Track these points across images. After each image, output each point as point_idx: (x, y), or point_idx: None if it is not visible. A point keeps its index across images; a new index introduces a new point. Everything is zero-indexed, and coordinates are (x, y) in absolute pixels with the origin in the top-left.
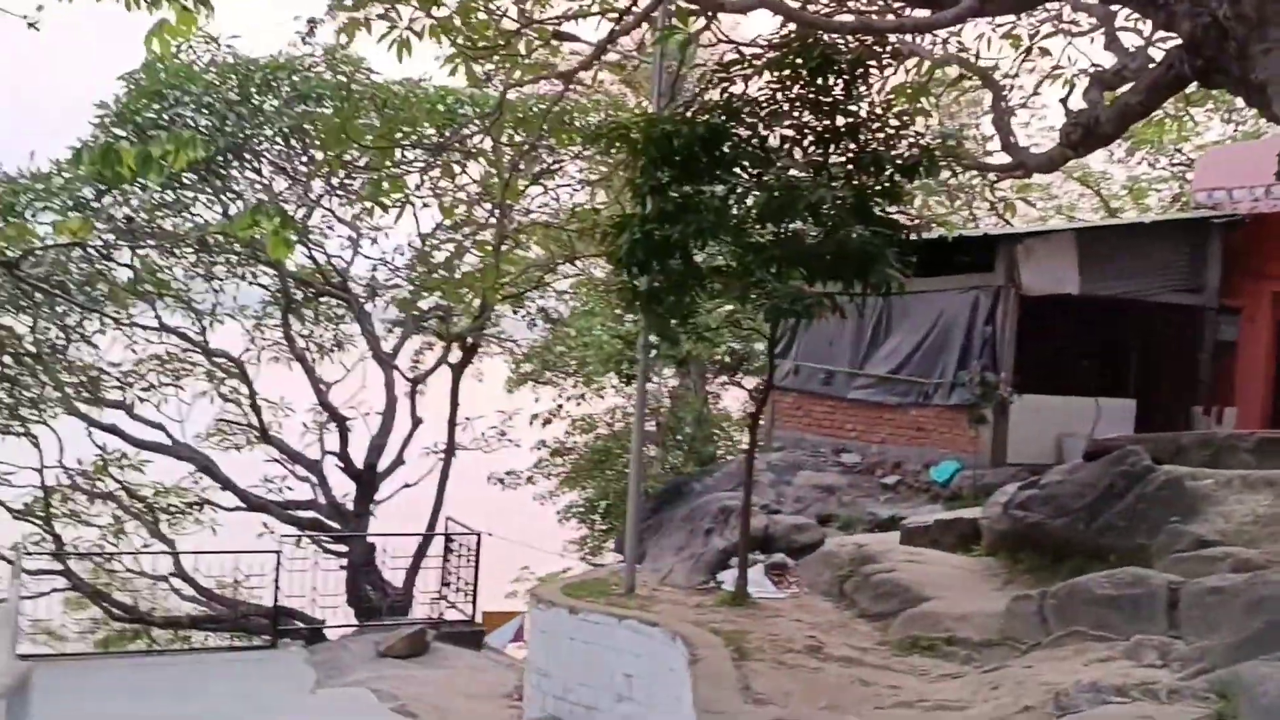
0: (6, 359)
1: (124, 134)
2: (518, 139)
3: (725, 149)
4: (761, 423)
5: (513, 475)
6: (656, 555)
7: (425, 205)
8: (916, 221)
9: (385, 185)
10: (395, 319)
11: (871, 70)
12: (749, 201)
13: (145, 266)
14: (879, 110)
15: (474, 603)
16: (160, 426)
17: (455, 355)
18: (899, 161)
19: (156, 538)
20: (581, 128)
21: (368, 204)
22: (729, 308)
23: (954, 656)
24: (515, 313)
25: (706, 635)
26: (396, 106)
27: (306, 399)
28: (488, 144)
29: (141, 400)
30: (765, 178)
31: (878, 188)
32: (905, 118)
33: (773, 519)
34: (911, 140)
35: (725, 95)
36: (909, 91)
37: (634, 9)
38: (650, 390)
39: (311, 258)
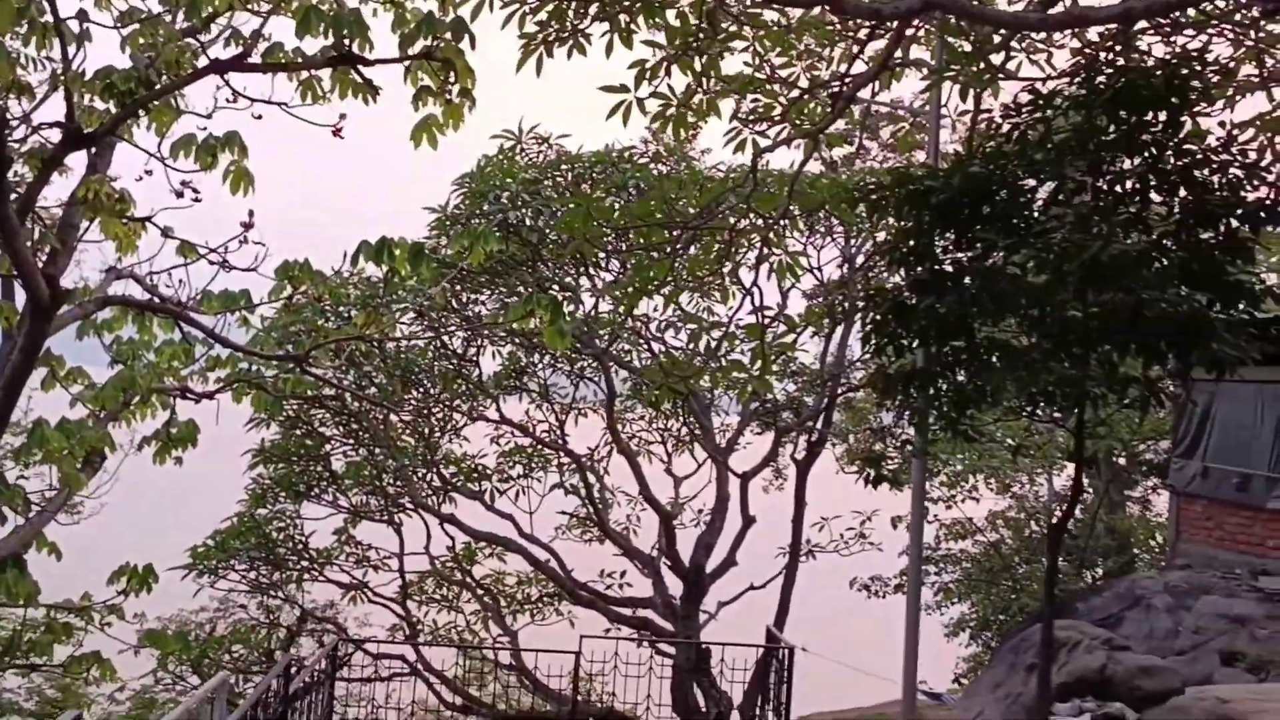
0: (385, 451)
1: (455, 235)
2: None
3: (997, 201)
4: (1161, 536)
5: (878, 581)
6: (974, 691)
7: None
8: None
9: (649, 270)
10: (741, 410)
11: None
12: (1015, 261)
13: (510, 360)
14: (1217, 147)
15: None
16: (509, 518)
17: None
18: (1239, 211)
19: (500, 628)
20: (828, 193)
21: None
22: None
23: None
24: (882, 406)
25: None
26: (679, 190)
27: (664, 492)
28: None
29: (500, 493)
30: (1048, 233)
31: (1211, 242)
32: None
33: (1114, 657)
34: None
35: (1014, 139)
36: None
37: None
38: (1036, 493)
39: (649, 349)
